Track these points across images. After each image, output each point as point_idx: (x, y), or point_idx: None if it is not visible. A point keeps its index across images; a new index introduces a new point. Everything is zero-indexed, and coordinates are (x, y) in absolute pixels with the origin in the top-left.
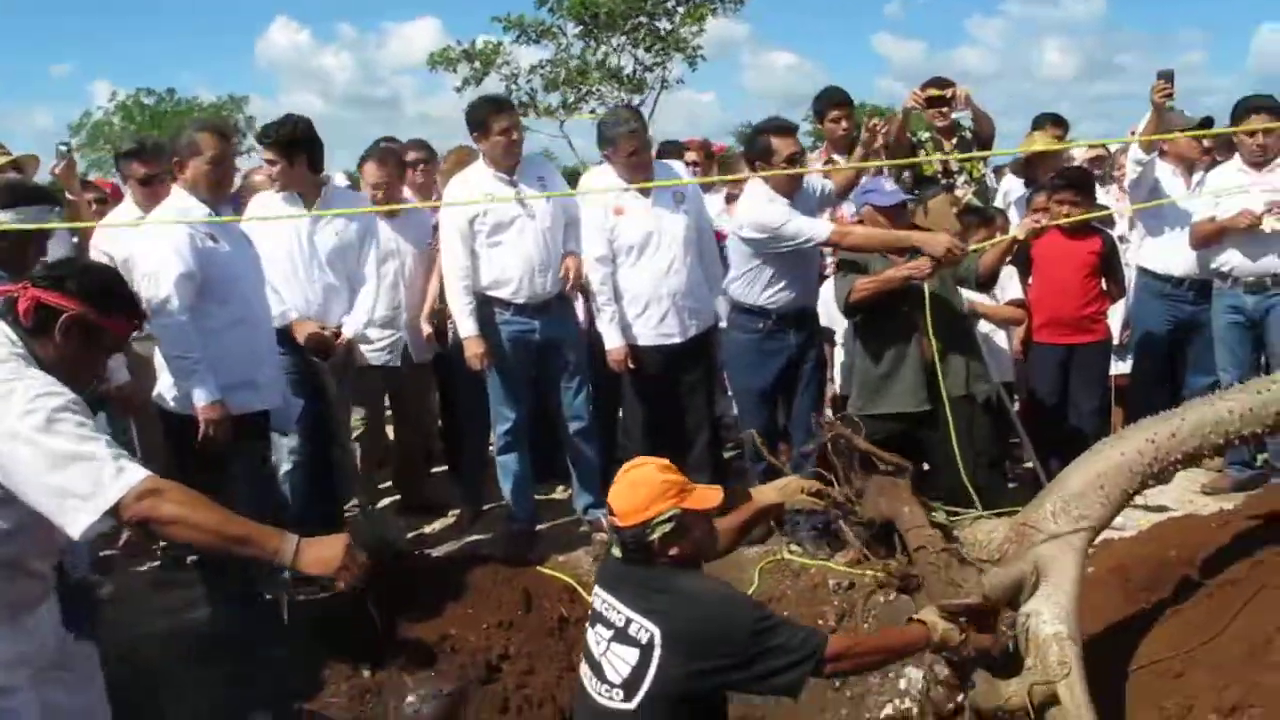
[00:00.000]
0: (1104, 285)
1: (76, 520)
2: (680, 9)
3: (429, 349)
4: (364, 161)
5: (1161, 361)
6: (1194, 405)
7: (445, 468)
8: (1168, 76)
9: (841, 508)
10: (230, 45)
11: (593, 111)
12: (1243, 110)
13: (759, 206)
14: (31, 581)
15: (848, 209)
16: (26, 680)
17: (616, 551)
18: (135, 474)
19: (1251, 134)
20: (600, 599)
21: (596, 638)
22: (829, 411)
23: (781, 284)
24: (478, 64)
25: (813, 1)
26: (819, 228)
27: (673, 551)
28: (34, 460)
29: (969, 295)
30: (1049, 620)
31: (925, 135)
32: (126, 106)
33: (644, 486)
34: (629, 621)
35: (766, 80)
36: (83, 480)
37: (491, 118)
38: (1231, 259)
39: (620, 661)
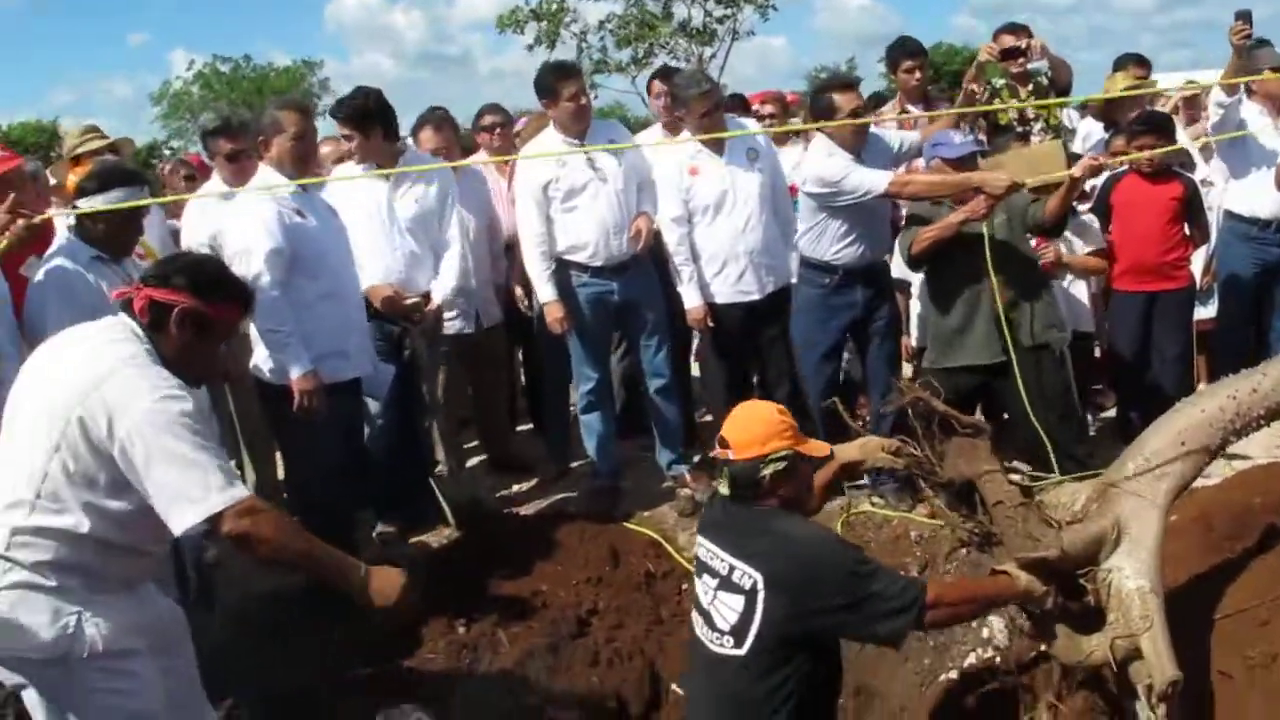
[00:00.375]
0: (1186, 230)
1: (182, 519)
2: None
3: (498, 312)
4: (419, 128)
5: (1247, 306)
6: (1277, 361)
7: (530, 426)
8: (1245, 17)
9: (922, 467)
10: (301, 7)
11: (664, 65)
12: None
13: (820, 160)
14: (147, 559)
15: (920, 163)
16: (145, 645)
17: (724, 489)
18: (241, 490)
19: None
20: (704, 548)
21: (704, 587)
22: (907, 369)
23: (849, 239)
24: (546, 23)
25: None
26: (878, 179)
27: (781, 492)
28: (156, 455)
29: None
30: (1131, 575)
31: (1000, 83)
32: (204, 75)
33: (762, 423)
34: (732, 569)
35: (839, 22)
36: (195, 485)
37: (559, 84)
38: None
39: (727, 609)
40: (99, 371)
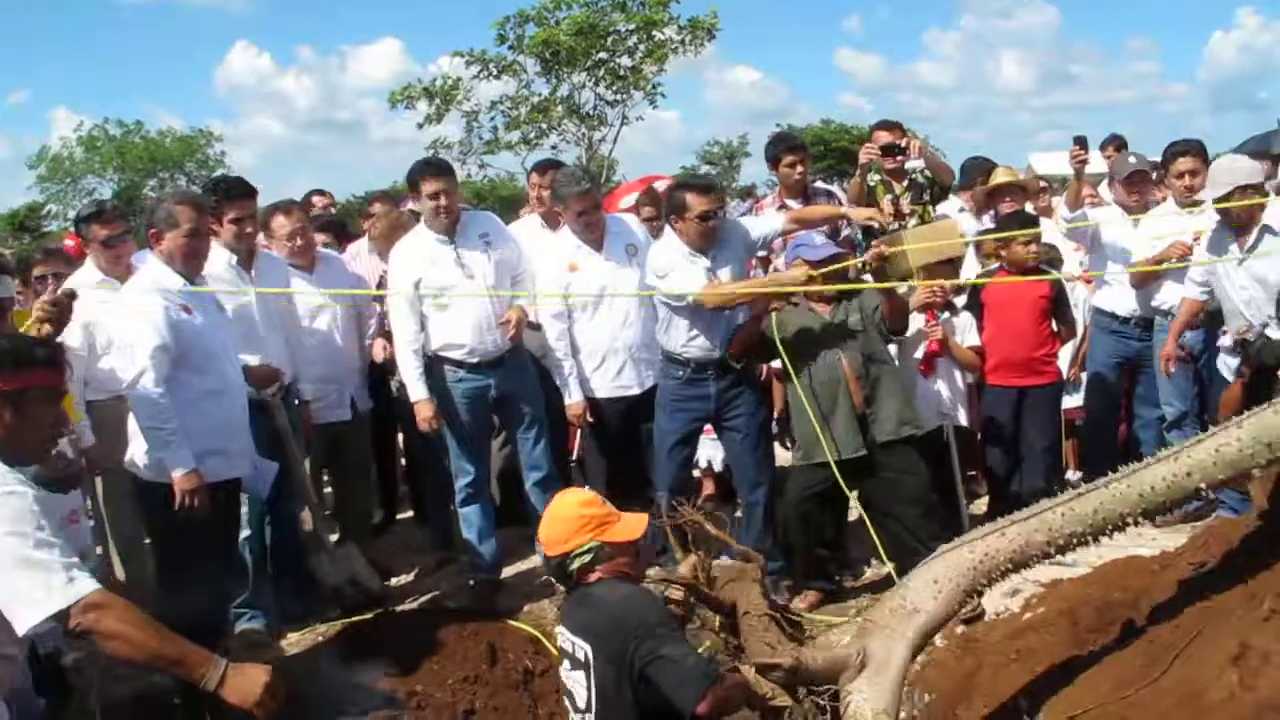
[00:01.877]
0: (1054, 327)
1: (25, 619)
2: (641, 47)
3: (367, 402)
4: (270, 216)
5: (1112, 395)
6: (1025, 512)
7: (410, 514)
8: (1081, 143)
9: (697, 593)
10: (189, 71)
11: (554, 147)
12: (1169, 154)
13: (653, 254)
14: (6, 664)
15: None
16: None
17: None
18: (85, 586)
19: (1179, 176)
20: (562, 635)
21: (564, 672)
22: (786, 456)
23: (693, 333)
24: (439, 101)
25: (775, 18)
26: (692, 284)
27: (592, 578)
28: None
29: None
30: (868, 698)
31: (875, 179)
32: (91, 138)
33: (563, 521)
34: (574, 646)
35: (730, 96)
36: (37, 585)
37: (422, 181)
38: (1170, 296)
39: (579, 687)
40: None
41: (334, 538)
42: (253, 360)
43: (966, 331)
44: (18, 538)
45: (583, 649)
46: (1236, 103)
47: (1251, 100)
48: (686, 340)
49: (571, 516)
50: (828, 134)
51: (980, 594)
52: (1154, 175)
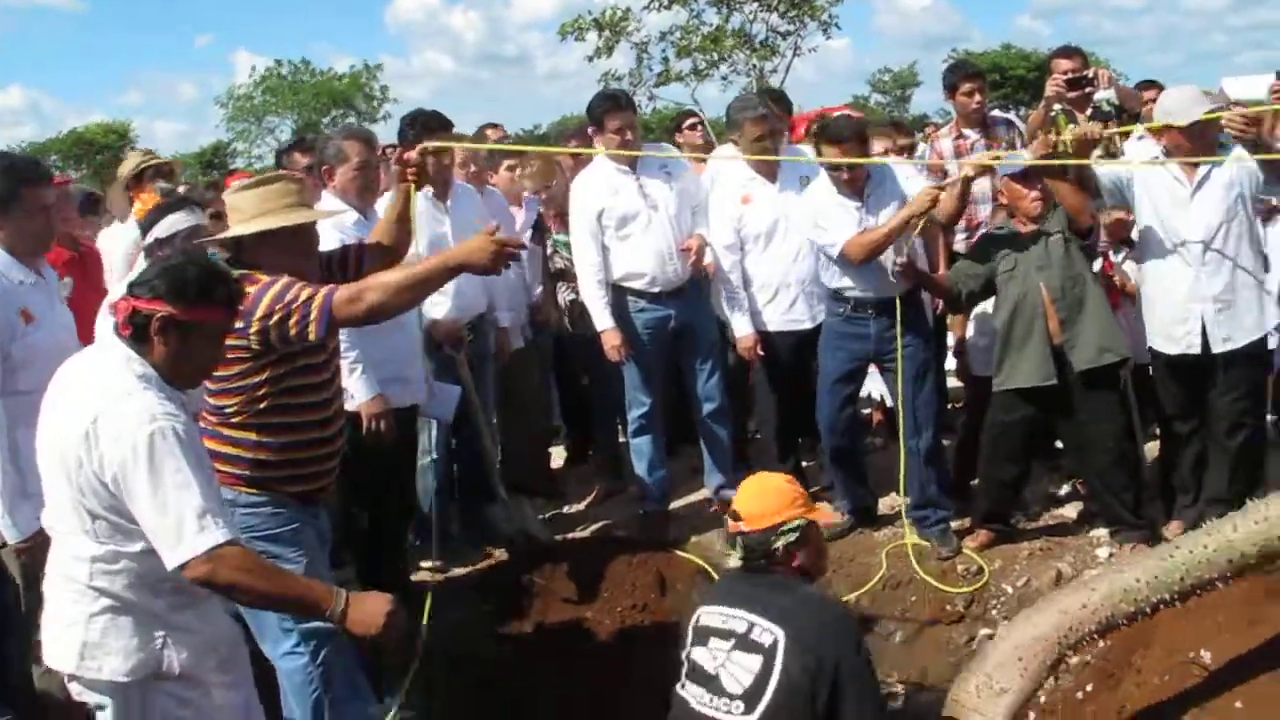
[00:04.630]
0: None
1: (167, 559)
2: None
3: (521, 336)
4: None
5: None
6: (1103, 575)
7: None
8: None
9: None
10: (362, 7)
11: (724, 78)
12: None
13: (808, 196)
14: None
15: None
16: (215, 663)
17: (734, 560)
18: (209, 538)
19: None
20: (713, 615)
21: (711, 653)
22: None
23: (851, 271)
24: (608, 32)
25: None
26: (843, 231)
27: (794, 561)
28: (138, 496)
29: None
30: None
31: (1058, 108)
32: (266, 79)
33: (774, 493)
34: (751, 626)
35: (901, 23)
36: (169, 531)
37: (607, 117)
38: None
39: (742, 670)
40: (86, 418)
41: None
42: (446, 290)
43: None
44: (158, 476)
45: (771, 633)
46: None
47: None
48: (844, 278)
49: (783, 489)
50: (1005, 60)
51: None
52: None
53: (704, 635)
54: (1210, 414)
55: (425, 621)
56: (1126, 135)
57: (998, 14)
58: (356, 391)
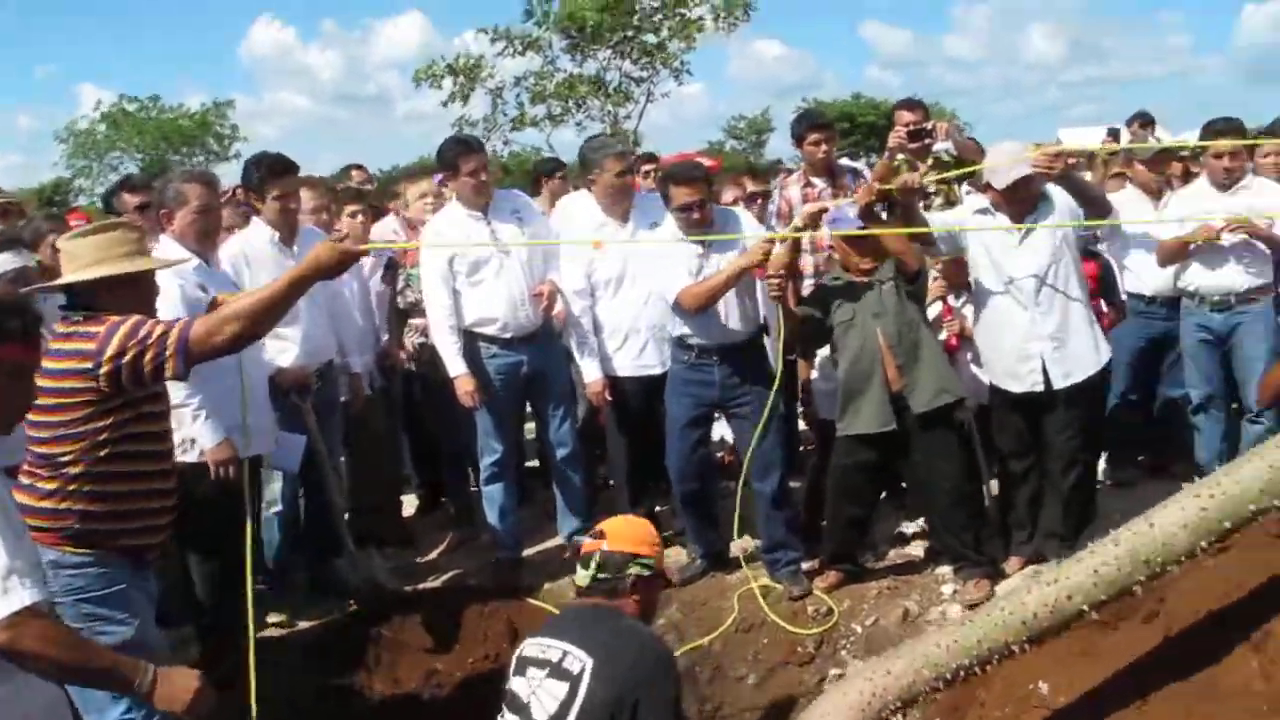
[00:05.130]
0: (1103, 307)
1: None
2: (668, 24)
3: (370, 382)
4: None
5: (1138, 377)
6: (909, 643)
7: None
8: (1114, 135)
9: None
10: (214, 44)
11: (579, 124)
12: (1210, 133)
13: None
14: None
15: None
16: None
17: (581, 579)
18: (13, 600)
19: (1218, 156)
20: (535, 645)
21: (526, 682)
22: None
23: (691, 319)
24: (463, 78)
25: None
26: (679, 275)
27: (635, 596)
28: None
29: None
30: None
31: (900, 158)
32: (112, 115)
33: (642, 528)
34: (564, 655)
35: (755, 69)
36: None
37: (460, 159)
38: (1196, 277)
39: (549, 697)
40: None
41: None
42: (293, 336)
43: None
44: None
45: (580, 661)
46: (1271, 75)
47: None
48: (684, 326)
49: (649, 531)
50: (855, 109)
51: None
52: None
53: (523, 666)
54: (1046, 452)
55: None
56: (961, 181)
57: (848, 64)
58: (202, 437)
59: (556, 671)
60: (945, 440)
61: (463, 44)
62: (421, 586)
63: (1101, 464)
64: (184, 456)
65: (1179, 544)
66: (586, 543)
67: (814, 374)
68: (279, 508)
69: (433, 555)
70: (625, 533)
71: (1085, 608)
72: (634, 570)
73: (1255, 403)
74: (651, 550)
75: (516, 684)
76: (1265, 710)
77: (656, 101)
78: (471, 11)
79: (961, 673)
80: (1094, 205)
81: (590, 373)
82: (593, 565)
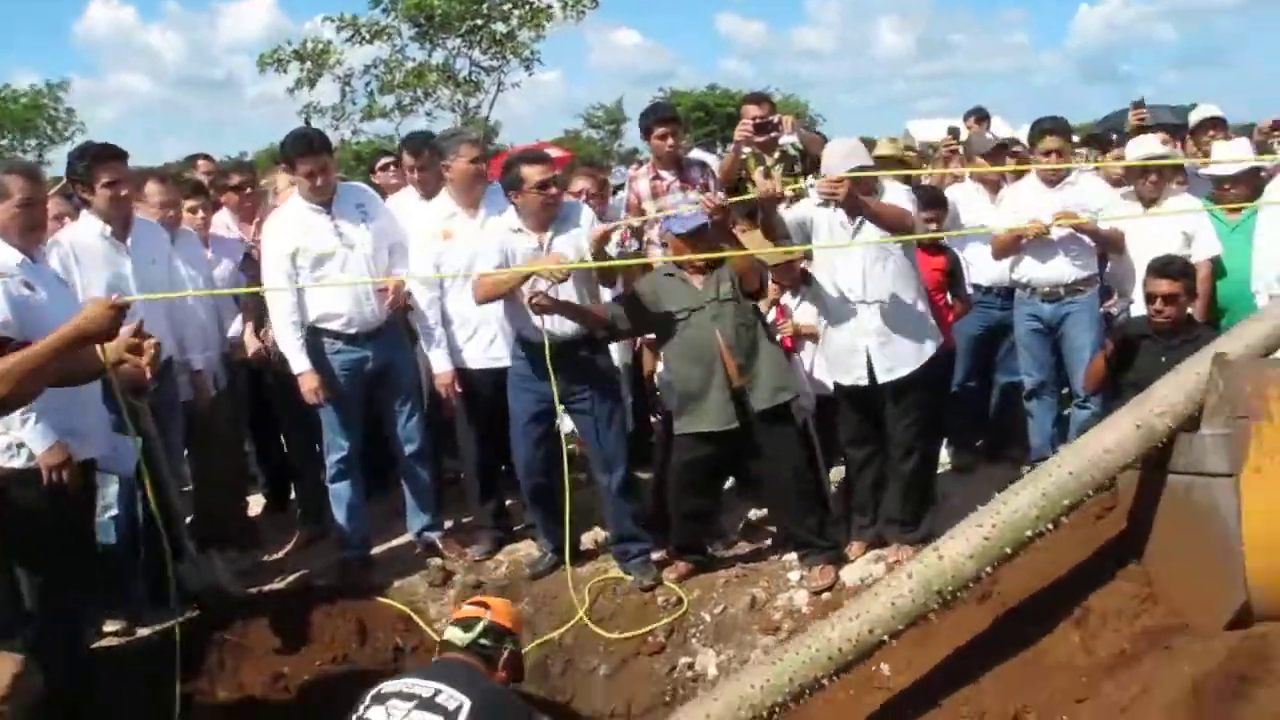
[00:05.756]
0: (949, 299)
1: None
2: (517, 12)
3: (223, 378)
4: (143, 180)
5: (977, 365)
6: (725, 683)
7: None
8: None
9: None
10: (45, 22)
11: (428, 114)
12: (1036, 131)
13: (491, 234)
14: None
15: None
16: None
17: (457, 637)
18: None
19: (1047, 154)
20: (391, 685)
21: (386, 711)
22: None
23: (521, 315)
24: (310, 65)
25: None
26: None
27: (499, 669)
28: None
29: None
30: None
31: (747, 151)
32: None
33: (516, 613)
34: (438, 692)
35: (613, 58)
36: None
37: (298, 160)
38: (1028, 270)
39: None
40: None
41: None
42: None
43: None
44: None
45: (458, 700)
46: (1101, 74)
47: (1116, 73)
48: (521, 321)
49: (520, 614)
50: (711, 100)
51: None
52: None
53: (383, 698)
54: (887, 440)
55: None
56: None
57: (704, 55)
58: (32, 443)
59: (429, 705)
60: (785, 435)
61: (314, 28)
62: (267, 588)
63: (943, 450)
64: (10, 462)
65: (967, 571)
66: (468, 608)
67: (659, 367)
68: (115, 512)
69: (279, 555)
70: (505, 611)
71: (885, 638)
72: (508, 645)
73: (1082, 389)
74: (521, 633)
75: (374, 713)
76: (1085, 682)
77: (508, 91)
78: None
79: (777, 709)
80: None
81: (439, 364)
82: (478, 629)
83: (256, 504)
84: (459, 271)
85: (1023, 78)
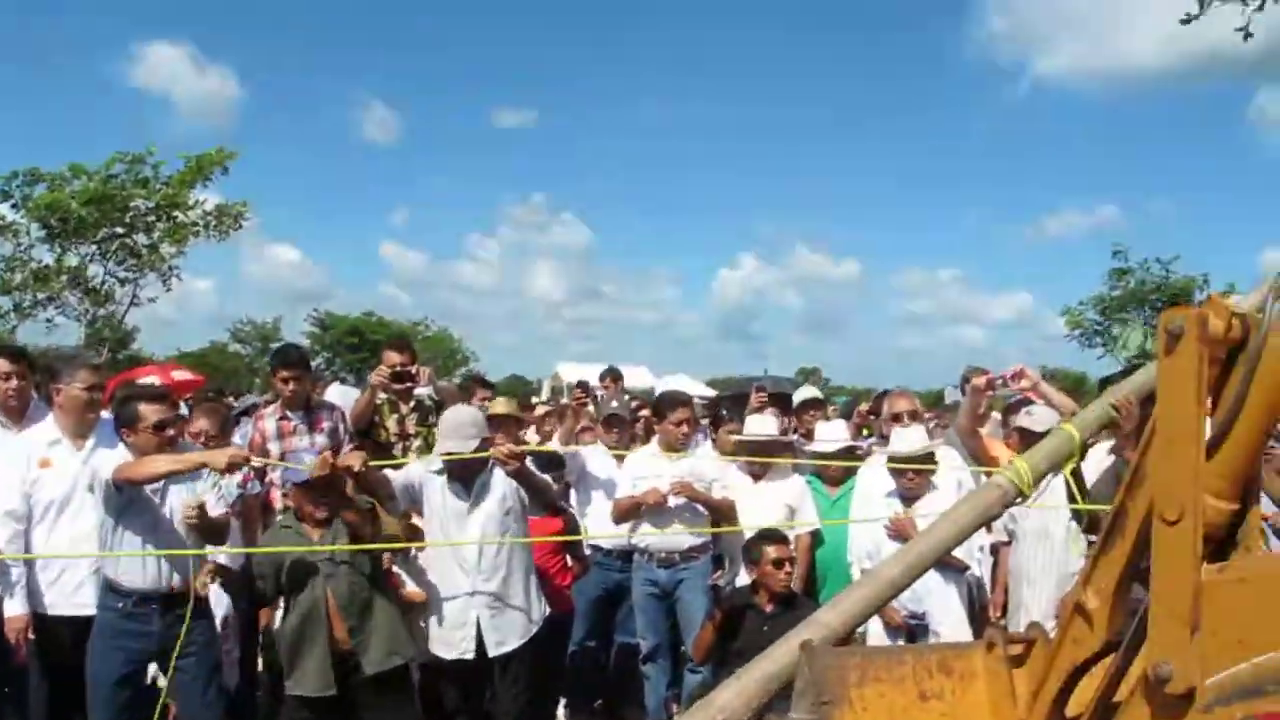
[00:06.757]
0: (568, 561)
1: None
2: (160, 224)
3: None
4: None
5: (596, 624)
6: None
7: None
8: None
9: None
10: None
11: (49, 320)
12: (663, 402)
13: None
14: None
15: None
16: None
17: None
18: None
19: (676, 424)
20: None
21: None
22: None
23: (126, 561)
24: None
25: (318, 201)
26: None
27: None
28: None
29: None
30: None
31: (383, 398)
32: None
33: None
34: None
35: (269, 272)
36: None
37: None
38: (645, 536)
39: None
40: None
41: None
42: None
43: None
44: None
45: None
46: (736, 333)
47: (747, 331)
48: (120, 568)
49: None
50: (365, 325)
51: None
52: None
53: None
54: (497, 707)
55: None
56: None
57: (364, 279)
58: None
59: None
60: (397, 700)
61: None
62: None
63: (560, 710)
64: None
65: None
66: None
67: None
68: None
69: None
70: None
71: None
72: None
73: (692, 656)
74: None
75: None
76: None
77: (143, 306)
78: None
79: None
80: (537, 494)
81: (12, 607)
82: None
83: None
84: (53, 503)
85: (668, 330)
